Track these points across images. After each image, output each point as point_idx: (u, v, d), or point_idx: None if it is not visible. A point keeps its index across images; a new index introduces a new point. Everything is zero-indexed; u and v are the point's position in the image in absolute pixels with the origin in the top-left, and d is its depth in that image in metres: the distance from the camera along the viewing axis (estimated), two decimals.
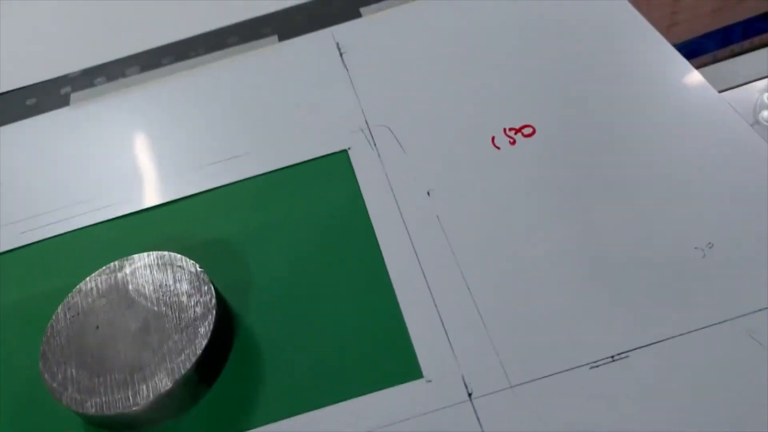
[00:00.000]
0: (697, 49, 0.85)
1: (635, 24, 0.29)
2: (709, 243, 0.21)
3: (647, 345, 0.19)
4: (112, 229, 0.26)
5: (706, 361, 0.19)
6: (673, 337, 0.19)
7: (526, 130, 0.26)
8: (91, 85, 0.33)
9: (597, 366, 0.19)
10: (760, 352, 0.18)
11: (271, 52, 0.32)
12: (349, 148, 0.27)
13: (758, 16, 0.83)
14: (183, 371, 0.19)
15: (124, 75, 0.33)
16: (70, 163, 0.29)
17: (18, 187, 0.29)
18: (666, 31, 0.88)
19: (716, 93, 0.26)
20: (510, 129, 0.26)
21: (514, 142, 0.26)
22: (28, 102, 0.33)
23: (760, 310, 0.19)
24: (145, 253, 0.23)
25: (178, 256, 0.22)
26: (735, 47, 0.88)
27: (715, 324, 0.19)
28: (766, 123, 0.35)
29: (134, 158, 0.29)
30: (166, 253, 0.22)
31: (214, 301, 0.21)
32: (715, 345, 0.19)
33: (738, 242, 0.21)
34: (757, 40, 0.88)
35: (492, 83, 0.28)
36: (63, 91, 0.33)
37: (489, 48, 0.30)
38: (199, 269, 0.22)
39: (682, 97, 0.26)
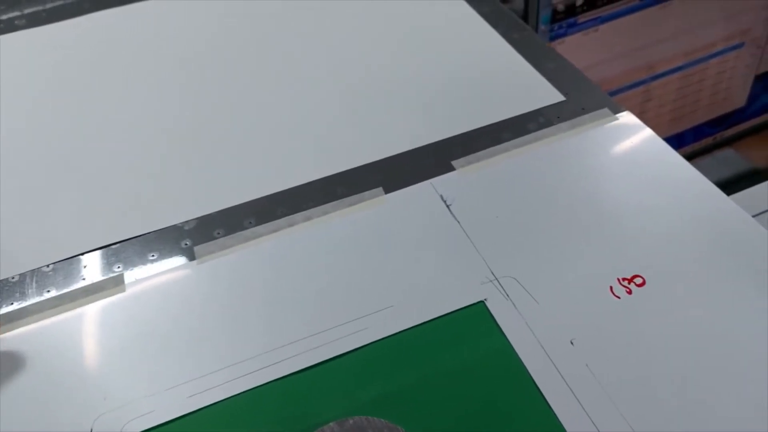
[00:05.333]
0: None
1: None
2: None
3: None
4: (264, 395, 0.28)
5: None
6: None
7: (637, 280, 0.30)
8: (212, 238, 0.35)
9: None
10: None
11: (379, 204, 0.36)
12: (485, 300, 0.30)
13: (705, 123, 0.96)
14: None
15: (242, 227, 0.35)
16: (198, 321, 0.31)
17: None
18: None
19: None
20: (623, 279, 0.30)
21: (630, 292, 0.30)
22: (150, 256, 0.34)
23: None
24: (337, 422, 0.24)
25: (365, 418, 0.24)
26: (687, 148, 1.00)
27: None
28: None
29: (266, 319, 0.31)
30: (354, 418, 0.25)
31: None
32: None
33: None
34: (704, 141, 1.01)
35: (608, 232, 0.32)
36: (183, 243, 0.34)
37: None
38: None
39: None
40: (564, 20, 0.66)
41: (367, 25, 0.49)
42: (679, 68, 0.81)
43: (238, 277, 0.33)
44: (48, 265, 0.34)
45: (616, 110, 0.40)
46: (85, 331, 0.31)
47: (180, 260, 0.34)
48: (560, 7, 0.65)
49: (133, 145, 0.41)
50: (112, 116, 0.43)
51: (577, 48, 0.70)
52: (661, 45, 0.76)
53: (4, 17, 0.56)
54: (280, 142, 0.40)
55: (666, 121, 0.88)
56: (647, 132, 0.38)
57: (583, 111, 0.40)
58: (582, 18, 0.68)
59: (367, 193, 0.36)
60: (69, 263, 0.34)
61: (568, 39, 0.68)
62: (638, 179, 0.36)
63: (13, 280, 0.33)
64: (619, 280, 0.30)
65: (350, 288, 0.32)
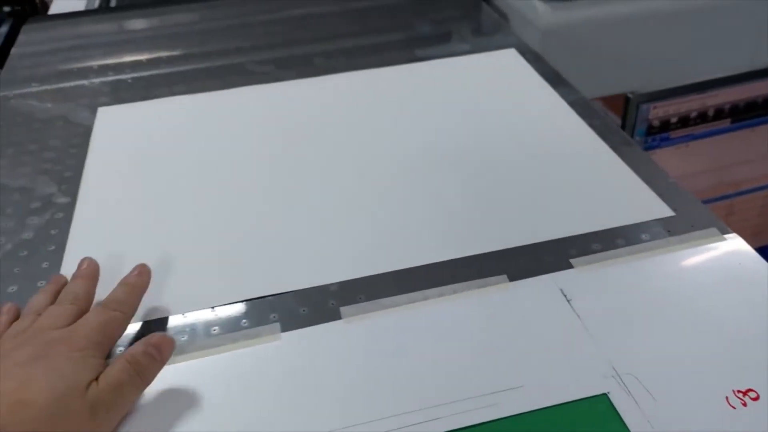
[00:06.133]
0: None
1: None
2: None
3: None
4: None
5: None
6: None
7: (752, 394, 0.33)
8: (354, 301, 0.39)
9: None
10: None
11: (504, 290, 0.40)
12: (608, 393, 0.33)
13: None
14: None
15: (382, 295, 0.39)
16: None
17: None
18: None
19: None
20: (738, 391, 0.33)
21: (745, 404, 0.32)
22: (302, 311, 0.39)
23: None
24: None
25: None
26: None
27: None
28: None
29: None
30: None
31: None
32: None
33: None
34: None
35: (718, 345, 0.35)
36: (330, 303, 0.39)
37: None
38: None
39: None
40: (658, 134, 0.71)
41: (500, 132, 0.55)
42: (764, 187, 0.83)
43: (377, 340, 0.37)
44: (213, 308, 0.39)
45: (724, 231, 0.43)
46: (242, 372, 0.35)
47: (328, 318, 0.38)
48: (656, 123, 0.70)
49: (290, 214, 0.47)
50: (276, 189, 0.50)
51: (667, 160, 0.74)
52: (748, 165, 0.80)
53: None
54: (419, 224, 0.45)
55: (748, 235, 0.89)
56: (754, 255, 0.41)
57: (692, 228, 0.43)
58: (674, 134, 0.72)
59: (492, 278, 0.40)
60: (231, 308, 0.39)
61: (660, 151, 0.73)
62: (746, 298, 0.38)
63: (185, 317, 0.39)
64: (734, 391, 0.33)
65: (476, 364, 0.35)
